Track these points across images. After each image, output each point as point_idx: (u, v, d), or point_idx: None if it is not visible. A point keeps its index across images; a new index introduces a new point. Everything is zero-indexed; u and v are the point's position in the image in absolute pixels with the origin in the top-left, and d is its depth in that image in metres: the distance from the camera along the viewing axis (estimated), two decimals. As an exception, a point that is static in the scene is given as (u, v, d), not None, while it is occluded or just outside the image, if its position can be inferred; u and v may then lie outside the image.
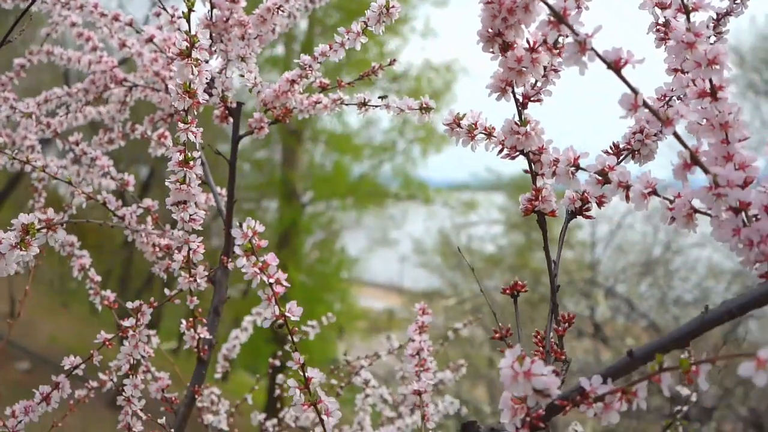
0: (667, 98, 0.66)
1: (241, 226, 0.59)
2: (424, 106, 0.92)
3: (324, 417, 0.62)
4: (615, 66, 0.49)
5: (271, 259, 0.61)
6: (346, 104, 0.93)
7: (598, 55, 0.49)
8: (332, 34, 0.90)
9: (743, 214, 0.49)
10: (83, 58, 1.20)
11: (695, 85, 0.54)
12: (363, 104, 0.91)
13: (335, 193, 11.47)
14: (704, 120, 0.53)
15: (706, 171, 0.50)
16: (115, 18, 1.08)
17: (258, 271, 0.60)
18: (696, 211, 0.53)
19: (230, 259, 0.95)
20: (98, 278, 1.07)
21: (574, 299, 6.09)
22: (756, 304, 0.47)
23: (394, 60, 0.98)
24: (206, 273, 0.88)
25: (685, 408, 1.03)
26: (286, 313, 0.61)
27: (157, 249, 0.99)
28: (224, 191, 1.08)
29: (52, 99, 1.17)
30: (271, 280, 0.60)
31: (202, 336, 0.94)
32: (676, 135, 0.49)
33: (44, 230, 0.66)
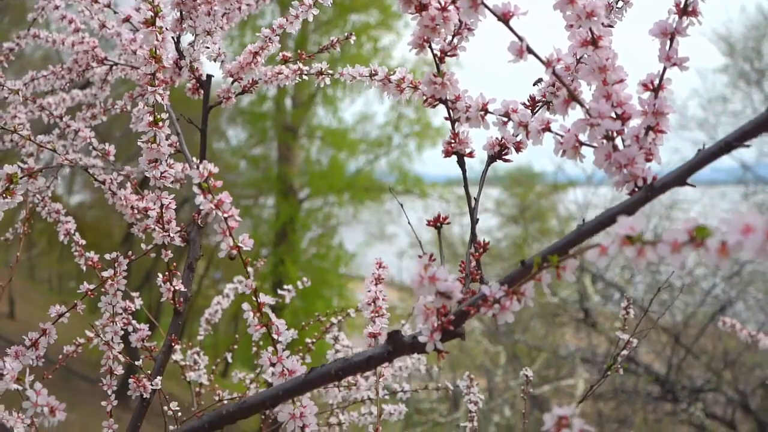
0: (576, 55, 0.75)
1: (198, 167, 0.68)
2: (388, 77, 1.00)
3: (275, 336, 0.71)
4: (504, 18, 0.58)
5: (225, 197, 0.70)
6: (306, 74, 1.02)
7: (489, 9, 0.57)
8: (326, 30, 0.98)
9: (614, 141, 0.58)
10: (66, 39, 1.28)
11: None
12: (320, 73, 1.00)
13: (332, 189, 11.55)
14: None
15: (582, 105, 0.58)
16: (94, 0, 1.17)
17: (214, 207, 0.69)
18: (581, 143, 0.62)
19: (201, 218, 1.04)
20: (83, 242, 1.16)
21: (563, 285, 6.19)
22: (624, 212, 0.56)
23: (351, 34, 1.06)
24: (179, 228, 0.97)
25: (624, 352, 1.12)
26: (240, 244, 0.70)
27: (135, 211, 1.08)
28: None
29: (38, 78, 1.26)
30: (226, 215, 0.69)
31: (177, 289, 1.03)
32: (555, 74, 0.58)
33: (25, 178, 0.75)
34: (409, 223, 0.91)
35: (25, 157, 1.33)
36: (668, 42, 0.59)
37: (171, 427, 1.07)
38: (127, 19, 1.12)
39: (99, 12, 1.17)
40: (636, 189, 0.57)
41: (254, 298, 0.72)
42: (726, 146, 0.53)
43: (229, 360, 1.44)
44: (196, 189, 0.69)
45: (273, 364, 0.71)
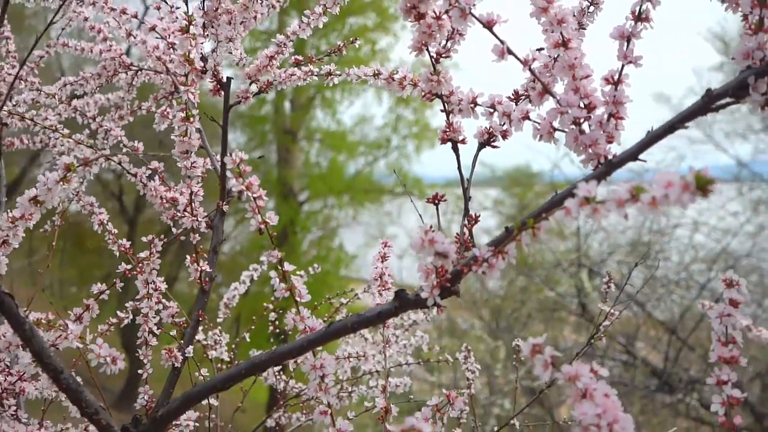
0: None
1: (231, 155, 0.80)
2: (391, 76, 1.12)
3: (297, 298, 0.83)
4: (488, 25, 0.70)
5: (254, 180, 0.82)
6: (316, 75, 1.14)
7: (475, 17, 0.70)
8: (324, 32, 1.10)
9: (581, 126, 0.70)
10: (95, 47, 1.41)
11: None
12: (329, 74, 1.12)
13: (331, 191, 11.66)
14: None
15: (554, 96, 0.71)
16: (123, 12, 1.29)
17: (245, 188, 0.81)
18: (554, 129, 0.74)
19: (226, 203, 1.16)
20: (115, 231, 1.28)
21: (561, 281, 6.31)
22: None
23: (356, 39, 1.19)
24: (206, 214, 1.09)
25: (606, 323, 1.24)
26: (267, 219, 0.82)
27: (164, 201, 1.20)
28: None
29: (70, 83, 1.38)
30: (255, 195, 0.81)
31: (203, 269, 1.15)
32: (531, 71, 0.70)
33: (82, 167, 0.87)
34: (418, 218, 1.03)
35: (57, 155, 1.45)
36: (625, 43, 0.71)
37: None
38: (153, 28, 1.24)
39: (127, 22, 1.29)
40: (599, 165, 0.69)
41: (280, 267, 0.84)
42: (670, 128, 0.65)
43: (248, 339, 1.55)
44: (229, 173, 0.81)
45: (296, 323, 0.83)
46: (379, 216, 12.33)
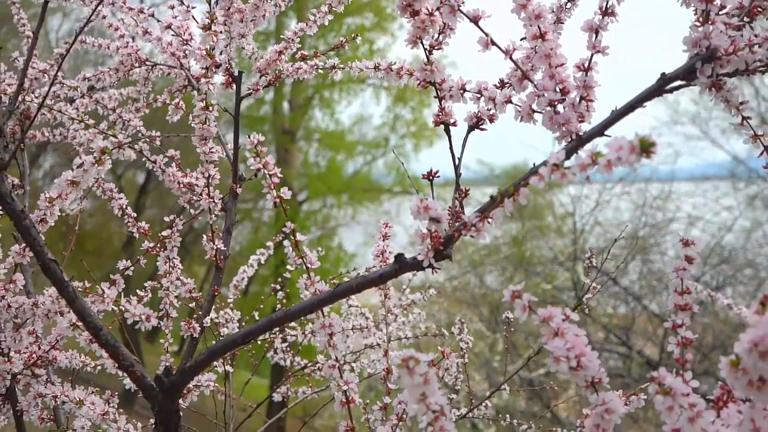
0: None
1: (249, 137, 0.90)
2: (389, 68, 1.23)
3: (308, 265, 0.93)
4: (475, 19, 0.81)
5: (270, 159, 0.92)
6: (321, 69, 1.25)
7: (464, 14, 0.80)
8: (322, 32, 1.20)
9: (555, 108, 0.81)
10: (112, 44, 1.51)
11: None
12: (333, 67, 1.23)
13: (330, 191, 11.77)
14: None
15: (532, 82, 0.81)
16: (140, 11, 1.39)
17: (262, 166, 0.91)
18: (533, 110, 0.84)
19: (239, 186, 1.26)
20: (134, 214, 1.38)
21: (558, 276, 6.43)
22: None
23: (357, 35, 1.29)
24: (221, 196, 1.20)
25: (588, 295, 1.34)
26: (281, 195, 0.92)
27: (181, 185, 1.30)
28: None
29: (89, 78, 1.48)
30: (271, 173, 0.91)
31: (218, 247, 1.25)
32: (512, 60, 0.81)
33: (115, 149, 0.97)
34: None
35: (77, 146, 1.56)
36: (594, 35, 0.82)
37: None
38: (168, 26, 1.35)
39: (144, 21, 1.40)
40: (570, 140, 0.80)
41: (293, 237, 0.94)
42: (630, 107, 0.75)
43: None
44: (248, 153, 0.91)
45: (307, 287, 0.93)
46: (378, 215, 12.42)
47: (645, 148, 0.58)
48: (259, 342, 1.70)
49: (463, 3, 0.81)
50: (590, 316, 6.44)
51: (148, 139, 1.36)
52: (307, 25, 1.18)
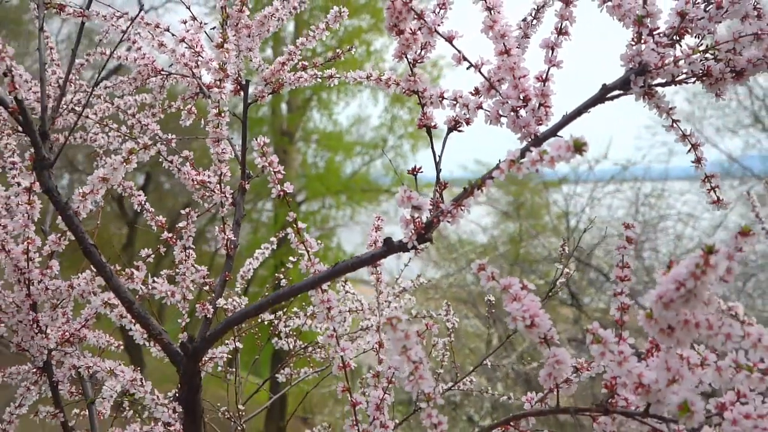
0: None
1: (256, 139, 1.05)
2: (379, 78, 1.38)
3: (308, 249, 1.08)
4: (449, 39, 0.96)
5: (275, 158, 1.07)
6: (320, 78, 1.40)
7: (439, 34, 0.95)
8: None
9: (518, 113, 0.96)
10: (130, 55, 1.66)
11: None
12: (331, 77, 1.38)
13: (329, 191, 11.91)
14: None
15: (497, 91, 0.96)
16: (157, 26, 1.54)
17: (267, 164, 1.06)
18: (500, 115, 0.99)
19: (247, 182, 1.41)
20: (152, 209, 1.53)
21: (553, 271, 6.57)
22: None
23: (352, 47, 1.44)
24: (232, 191, 1.35)
25: (562, 280, 1.49)
26: (284, 188, 1.07)
27: (195, 183, 1.45)
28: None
29: (110, 86, 1.63)
30: (275, 169, 1.06)
31: (229, 238, 1.40)
32: (481, 73, 0.96)
33: (142, 150, 1.12)
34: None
35: (98, 148, 1.71)
36: (550, 51, 0.97)
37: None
38: (182, 40, 1.50)
39: (160, 35, 1.55)
40: (529, 140, 0.95)
41: (295, 225, 1.09)
42: (577, 113, 0.91)
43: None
44: (255, 153, 1.06)
45: (308, 268, 1.08)
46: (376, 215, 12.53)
47: (578, 147, 0.73)
48: (265, 322, 1.85)
49: (440, 24, 0.97)
50: (584, 312, 6.60)
51: (165, 142, 1.51)
52: (307, 39, 1.33)
